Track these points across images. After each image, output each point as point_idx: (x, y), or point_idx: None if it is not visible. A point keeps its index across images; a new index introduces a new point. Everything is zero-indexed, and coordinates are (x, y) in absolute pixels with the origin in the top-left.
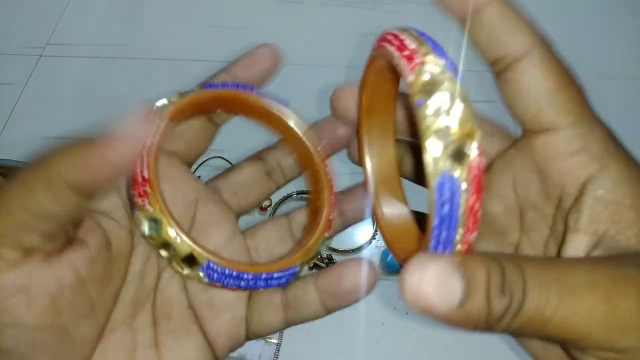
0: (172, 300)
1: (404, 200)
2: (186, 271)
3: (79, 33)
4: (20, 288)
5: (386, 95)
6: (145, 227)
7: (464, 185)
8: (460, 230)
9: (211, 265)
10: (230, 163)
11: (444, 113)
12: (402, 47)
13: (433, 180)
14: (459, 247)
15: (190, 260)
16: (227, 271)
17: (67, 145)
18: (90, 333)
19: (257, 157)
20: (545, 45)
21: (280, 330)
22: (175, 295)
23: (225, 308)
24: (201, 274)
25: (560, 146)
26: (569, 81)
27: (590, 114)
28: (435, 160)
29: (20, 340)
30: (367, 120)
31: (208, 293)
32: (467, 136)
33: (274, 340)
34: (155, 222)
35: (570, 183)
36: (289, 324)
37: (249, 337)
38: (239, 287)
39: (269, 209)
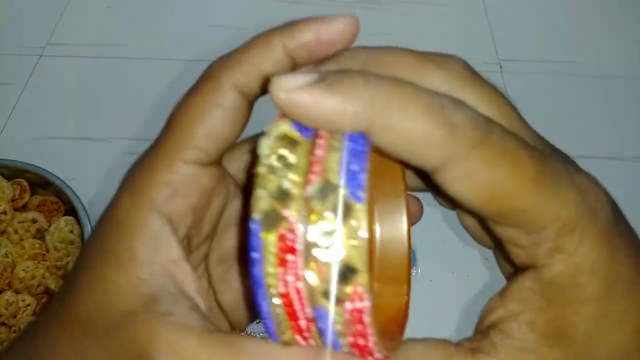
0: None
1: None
2: None
3: (79, 33)
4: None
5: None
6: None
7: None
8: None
9: None
10: None
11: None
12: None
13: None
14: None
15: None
16: None
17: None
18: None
19: None
20: (465, 149)
21: None
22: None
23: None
24: None
25: (509, 238)
26: (507, 175)
27: (545, 203)
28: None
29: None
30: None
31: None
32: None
33: None
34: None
35: (517, 263)
36: None
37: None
38: None
39: None
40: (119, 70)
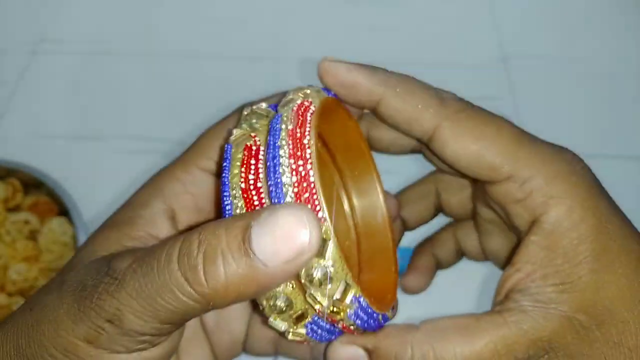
0: None
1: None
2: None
3: (74, 29)
4: None
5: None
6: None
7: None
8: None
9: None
10: None
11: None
12: None
13: None
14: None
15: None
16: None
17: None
18: None
19: None
20: (453, 113)
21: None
22: None
23: (227, 328)
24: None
25: (506, 196)
26: (491, 134)
27: (527, 156)
28: None
29: None
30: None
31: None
32: None
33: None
34: None
35: (520, 225)
36: (276, 354)
37: (245, 351)
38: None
39: None
40: (114, 67)
